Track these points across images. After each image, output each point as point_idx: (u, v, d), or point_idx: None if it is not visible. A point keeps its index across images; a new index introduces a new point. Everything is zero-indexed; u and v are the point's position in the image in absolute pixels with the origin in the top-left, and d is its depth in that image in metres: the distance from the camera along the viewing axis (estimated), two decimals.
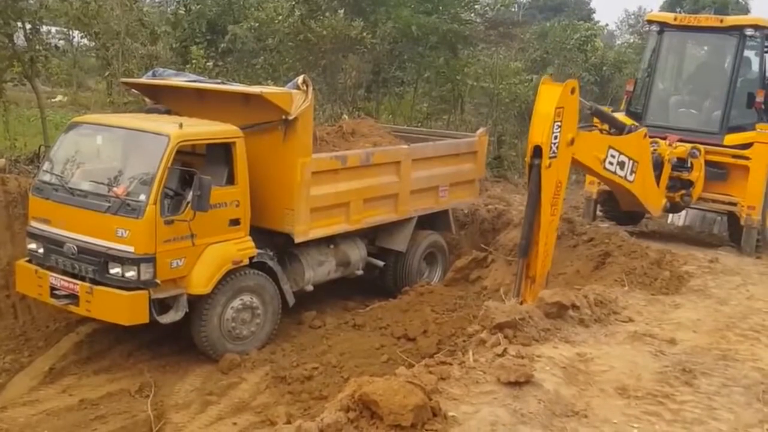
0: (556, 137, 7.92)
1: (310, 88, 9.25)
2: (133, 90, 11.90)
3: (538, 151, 7.92)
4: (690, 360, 6.45)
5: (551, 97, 8.02)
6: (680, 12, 25.01)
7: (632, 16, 41.90)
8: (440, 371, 5.03)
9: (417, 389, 4.40)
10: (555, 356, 5.86)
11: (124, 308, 8.07)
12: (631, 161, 9.91)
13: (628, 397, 5.53)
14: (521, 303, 7.37)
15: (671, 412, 5.38)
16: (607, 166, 9.55)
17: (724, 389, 5.91)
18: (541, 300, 6.83)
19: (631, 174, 10.00)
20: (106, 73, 14.73)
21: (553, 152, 7.92)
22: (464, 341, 6.37)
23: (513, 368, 5.12)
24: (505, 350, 5.50)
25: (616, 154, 9.62)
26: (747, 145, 11.59)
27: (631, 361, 6.22)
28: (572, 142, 8.17)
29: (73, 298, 8.28)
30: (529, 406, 4.92)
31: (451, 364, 5.24)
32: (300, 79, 9.28)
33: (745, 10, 36.82)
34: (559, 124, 7.97)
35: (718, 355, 6.66)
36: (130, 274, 8.00)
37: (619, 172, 9.77)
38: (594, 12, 47.51)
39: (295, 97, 9.10)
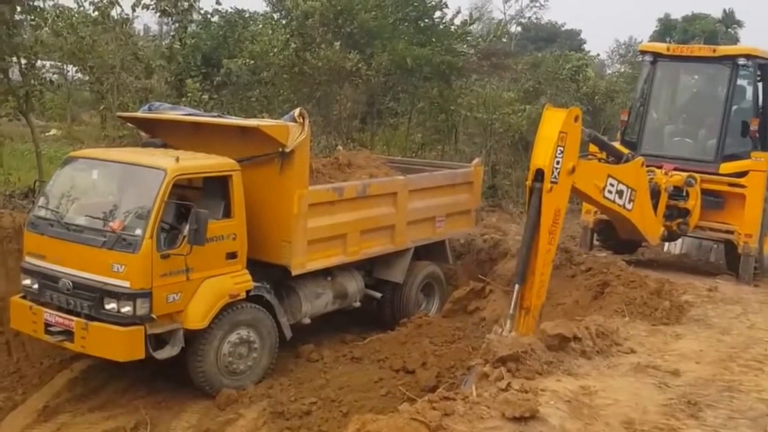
0: (558, 162, 7.92)
1: (307, 121, 9.27)
2: (129, 124, 11.89)
3: (539, 175, 7.90)
4: (695, 392, 6.38)
5: (555, 122, 8.03)
6: (670, 42, 25.31)
7: (623, 46, 42.37)
8: (444, 407, 4.95)
9: (422, 427, 4.33)
10: (559, 390, 5.79)
11: (120, 344, 8.00)
12: (629, 190, 9.92)
13: (634, 431, 5.45)
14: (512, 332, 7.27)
15: None
16: (606, 194, 9.55)
17: (730, 422, 5.83)
18: (543, 332, 6.77)
19: (629, 202, 10.00)
20: (101, 107, 14.71)
21: (555, 177, 7.91)
22: (464, 374, 6.28)
23: (518, 403, 5.05)
24: (509, 384, 5.42)
25: (614, 182, 9.62)
26: (743, 174, 11.62)
27: (635, 394, 6.15)
28: (573, 170, 8.17)
29: (68, 334, 8.20)
30: None
31: (454, 399, 5.15)
32: (296, 111, 9.31)
33: (734, 40, 37.36)
34: (561, 149, 7.96)
35: (723, 387, 6.60)
36: (126, 309, 7.94)
37: (617, 200, 9.77)
38: (585, 42, 48.13)
39: (292, 129, 9.12)
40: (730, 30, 41.51)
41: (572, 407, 5.54)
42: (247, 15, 19.94)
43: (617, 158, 10.23)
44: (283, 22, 18.90)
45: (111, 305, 7.96)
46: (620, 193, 9.77)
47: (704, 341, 7.94)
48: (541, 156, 7.93)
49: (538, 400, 5.29)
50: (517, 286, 7.59)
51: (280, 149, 9.04)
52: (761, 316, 9.24)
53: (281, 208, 9.24)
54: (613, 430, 5.42)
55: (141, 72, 15.58)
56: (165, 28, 25.47)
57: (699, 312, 9.14)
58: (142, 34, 26.38)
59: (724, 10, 43.86)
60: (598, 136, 10.17)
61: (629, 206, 10.01)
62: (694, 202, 11.75)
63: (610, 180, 9.55)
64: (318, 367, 9.65)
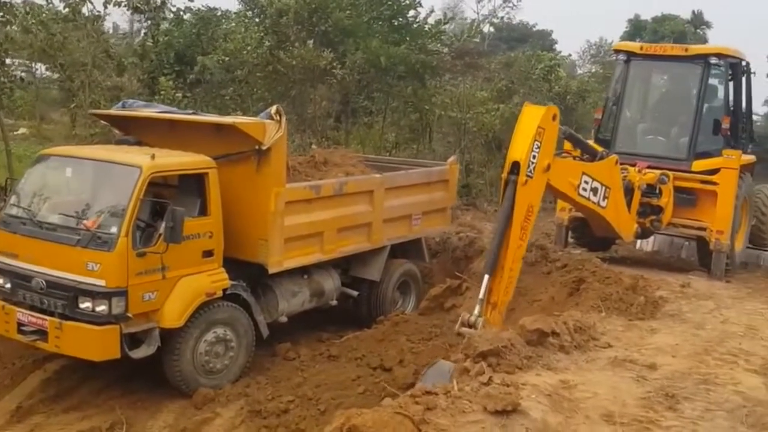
0: (534, 157, 7.96)
1: (283, 118, 9.22)
2: (102, 121, 11.76)
3: (515, 168, 7.94)
4: (672, 385, 6.46)
5: (534, 117, 8.10)
6: (640, 42, 25.53)
7: (593, 47, 42.73)
8: (426, 401, 4.96)
9: (406, 420, 4.33)
10: (539, 384, 5.83)
11: (95, 344, 7.89)
12: (603, 187, 10.02)
13: (614, 424, 5.50)
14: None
15: None
16: (581, 192, 9.64)
17: (707, 414, 5.91)
18: (522, 327, 6.81)
19: (603, 200, 10.11)
20: (72, 105, 14.53)
21: (530, 171, 7.94)
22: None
23: (500, 397, 5.07)
24: (490, 379, 5.45)
25: (589, 180, 9.72)
26: (714, 171, 11.79)
27: (614, 387, 6.21)
28: (548, 168, 8.22)
29: (42, 333, 8.07)
30: None
31: (437, 394, 5.16)
32: (273, 108, 9.25)
33: (703, 41, 37.83)
34: (538, 144, 8.02)
35: (699, 380, 6.68)
36: (101, 308, 7.82)
37: (592, 198, 9.87)
38: (556, 42, 48.45)
39: (269, 127, 9.06)
40: (698, 31, 42.06)
41: (553, 401, 5.58)
42: (219, 13, 19.84)
43: (592, 156, 10.32)
44: (257, 19, 18.81)
45: (86, 304, 7.83)
46: (594, 190, 9.87)
47: (679, 335, 8.04)
48: (518, 149, 7.99)
49: (519, 394, 5.32)
50: (486, 276, 7.58)
51: (257, 147, 8.97)
52: (734, 311, 9.39)
53: (258, 206, 9.17)
54: (593, 423, 5.47)
55: (113, 70, 15.41)
56: (136, 25, 25.34)
57: (673, 307, 9.25)
58: (111, 32, 26.10)
59: (693, 12, 44.53)
60: (573, 134, 10.26)
61: (603, 203, 10.11)
62: (667, 200, 11.89)
63: (585, 177, 9.64)
64: (295, 366, 9.59)
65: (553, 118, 8.29)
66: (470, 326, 7.03)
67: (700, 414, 5.90)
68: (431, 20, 19.49)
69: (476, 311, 7.18)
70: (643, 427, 5.51)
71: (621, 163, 11.05)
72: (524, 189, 7.89)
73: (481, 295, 7.39)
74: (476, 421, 4.94)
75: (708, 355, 7.45)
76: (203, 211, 8.69)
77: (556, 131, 8.40)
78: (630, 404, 5.91)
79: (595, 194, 9.90)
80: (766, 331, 8.52)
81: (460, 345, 7.05)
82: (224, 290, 8.83)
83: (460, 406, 5.03)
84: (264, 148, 8.99)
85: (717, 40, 42.58)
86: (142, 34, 16.79)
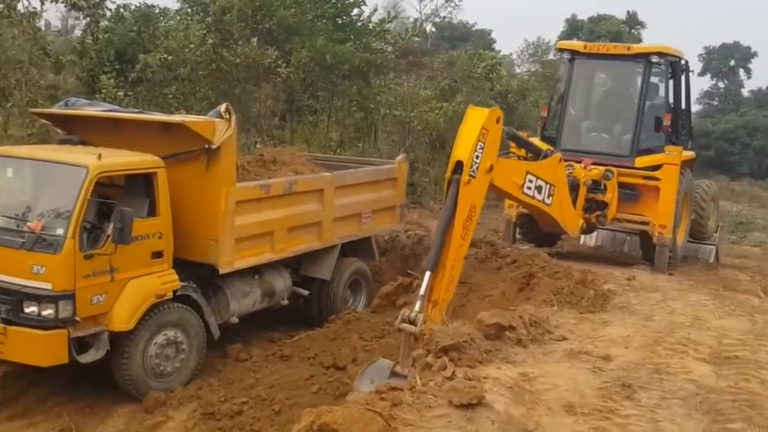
0: (477, 157, 8.02)
1: (233, 117, 9.10)
2: (43, 121, 11.42)
3: (459, 167, 7.99)
4: (627, 375, 6.60)
5: (478, 119, 8.16)
6: (577, 41, 26.04)
7: (531, 46, 43.37)
8: (392, 397, 4.95)
9: (377, 416, 4.31)
10: (500, 377, 5.88)
11: (42, 349, 7.68)
12: (548, 185, 10.17)
13: (575, 414, 5.59)
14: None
15: (619, 426, 5.48)
16: (525, 190, 9.77)
17: (663, 402, 6.06)
18: (481, 322, 6.85)
19: (548, 197, 10.26)
20: (9, 105, 14.06)
21: (473, 171, 8.00)
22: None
23: (464, 390, 5.10)
24: (453, 373, 5.47)
25: (533, 178, 9.85)
26: (657, 167, 12.08)
27: (572, 379, 6.31)
28: (491, 169, 8.29)
29: None
30: (484, 428, 4.91)
31: (402, 390, 5.16)
32: (223, 107, 9.11)
33: (638, 40, 38.78)
34: (482, 145, 8.08)
35: (652, 369, 6.84)
36: (48, 312, 7.61)
37: (537, 196, 10.01)
38: (495, 42, 49.06)
39: (218, 125, 8.92)
40: (633, 31, 43.09)
41: (515, 393, 5.64)
42: (157, 10, 19.50)
43: (536, 155, 10.46)
44: (197, 17, 18.51)
45: (31, 308, 7.62)
46: (539, 188, 10.01)
47: (630, 327, 8.22)
48: (462, 149, 8.03)
49: (483, 388, 5.35)
50: (428, 273, 7.59)
51: (207, 146, 8.83)
52: (680, 302, 9.64)
53: (208, 206, 9.03)
54: (555, 414, 5.54)
55: (50, 68, 14.99)
56: (71, 22, 24.68)
57: (622, 300, 9.46)
58: (43, 29, 25.37)
59: (628, 12, 45.62)
60: (516, 134, 10.39)
61: (548, 201, 10.27)
62: (611, 195, 12.14)
63: (529, 176, 9.77)
64: (247, 367, 9.48)
65: (497, 120, 8.38)
66: (410, 322, 7.03)
67: (657, 402, 6.04)
68: (375, 19, 19.51)
69: (417, 307, 7.18)
70: (603, 417, 5.62)
71: (567, 160, 11.23)
72: (467, 188, 7.92)
73: (422, 292, 7.38)
74: (442, 415, 4.96)
75: (659, 346, 7.63)
76: (152, 212, 8.53)
77: (499, 133, 8.48)
78: (589, 395, 6.02)
79: (539, 192, 10.04)
80: (712, 321, 8.78)
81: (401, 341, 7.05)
82: (174, 292, 8.69)
83: (425, 400, 5.04)
84: (213, 147, 8.85)
85: (651, 40, 43.74)
86: (76, 32, 16.36)
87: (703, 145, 37.19)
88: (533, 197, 9.95)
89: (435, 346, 6.04)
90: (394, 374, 6.81)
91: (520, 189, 9.65)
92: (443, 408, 5.04)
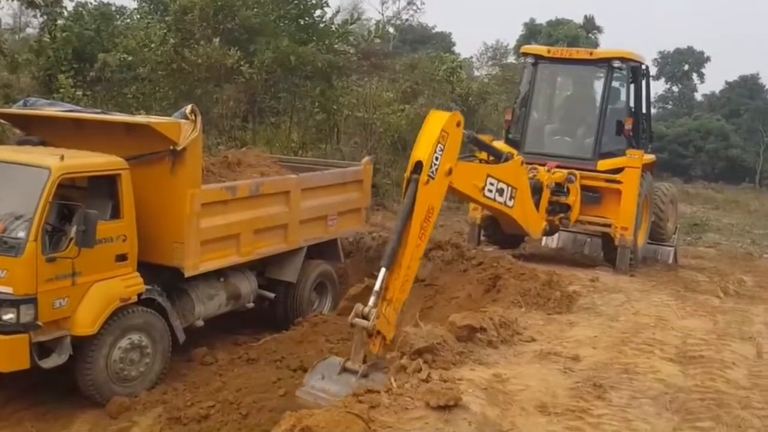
0: (437, 158, 8.03)
1: (199, 118, 8.98)
2: (2, 121, 11.15)
3: (418, 168, 7.98)
4: (597, 375, 6.68)
5: (438, 122, 8.17)
6: (535, 44, 26.41)
7: (490, 49, 43.73)
8: (370, 399, 4.94)
9: (357, 419, 4.29)
10: (474, 378, 5.91)
11: (2, 354, 7.49)
12: (509, 188, 10.24)
13: (548, 414, 5.63)
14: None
15: (591, 426, 5.54)
16: (486, 193, 9.81)
17: (634, 401, 6.14)
18: (453, 324, 6.86)
19: (510, 200, 10.33)
20: None
21: (432, 172, 8.00)
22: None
23: (441, 392, 5.10)
24: (429, 375, 5.47)
25: (494, 181, 9.89)
26: (618, 170, 12.27)
27: (543, 379, 6.36)
28: (450, 172, 8.30)
29: None
30: (461, 429, 4.92)
31: (379, 392, 5.14)
32: (188, 108, 8.99)
33: (595, 45, 39.35)
34: (441, 147, 8.08)
35: (621, 369, 6.93)
36: (9, 316, 7.44)
37: (498, 198, 10.06)
38: (455, 45, 49.35)
39: (184, 126, 8.80)
40: (590, 35, 43.68)
41: (489, 394, 5.67)
42: (113, 9, 19.22)
43: (497, 158, 10.52)
44: (156, 16, 18.26)
45: None
46: (501, 191, 10.07)
47: (597, 328, 8.33)
48: (422, 150, 8.02)
49: (459, 389, 5.36)
50: (383, 270, 7.55)
51: (172, 147, 8.71)
52: (643, 303, 9.79)
53: (173, 208, 8.90)
54: (529, 414, 5.58)
55: (5, 67, 14.64)
56: (23, 20, 24.16)
57: (587, 301, 9.57)
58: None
59: (585, 16, 46.24)
60: (477, 138, 10.43)
61: (510, 203, 10.34)
62: (574, 198, 12.28)
63: (490, 179, 9.81)
64: (213, 370, 9.37)
65: (458, 124, 8.38)
66: (363, 317, 7.00)
67: (627, 402, 6.12)
68: (338, 20, 19.45)
69: (371, 302, 7.15)
70: (576, 416, 5.67)
71: (530, 163, 11.31)
72: (425, 189, 7.90)
73: (377, 287, 7.35)
74: (420, 417, 4.96)
75: (625, 346, 7.73)
76: (116, 214, 8.38)
77: (459, 137, 8.48)
78: (561, 395, 6.07)
79: (501, 195, 10.09)
80: (676, 321, 8.93)
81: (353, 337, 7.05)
82: (139, 295, 8.55)
83: (402, 403, 5.03)
84: (179, 148, 8.73)
85: (608, 44, 44.43)
86: (29, 30, 15.98)
87: (657, 148, 37.68)
88: (494, 200, 10.00)
89: (409, 349, 6.04)
90: (345, 370, 6.83)
91: (480, 192, 9.69)
92: (420, 410, 5.04)
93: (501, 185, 9.99)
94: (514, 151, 11.42)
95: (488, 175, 9.78)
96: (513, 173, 10.37)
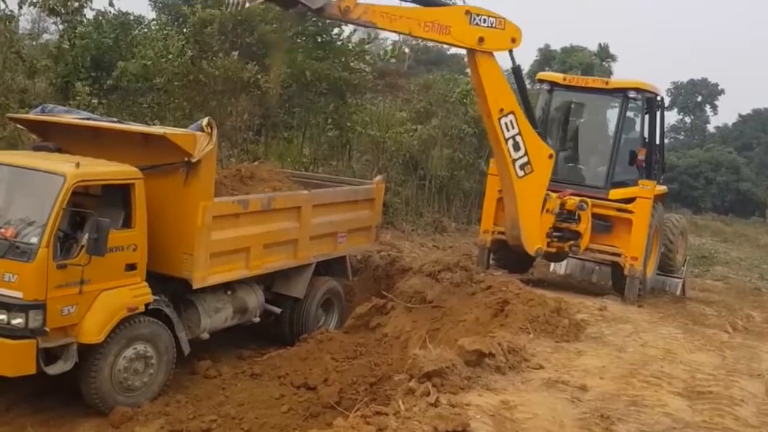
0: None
1: (215, 131, 9.05)
2: (19, 126, 11.21)
3: None
4: (604, 406, 6.61)
5: None
6: (548, 71, 26.46)
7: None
8: (377, 422, 4.91)
9: None
10: (482, 404, 5.86)
11: (9, 358, 7.52)
12: (527, 156, 10.43)
13: None
14: None
15: None
16: (502, 122, 10.33)
17: None
18: (462, 348, 6.84)
19: (521, 168, 10.68)
20: None
21: None
22: (389, 390, 6.25)
23: (450, 417, 5.07)
24: (437, 399, 5.44)
25: (515, 124, 10.41)
26: (630, 200, 12.24)
27: (551, 408, 6.31)
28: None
29: None
30: None
31: (387, 414, 5.11)
32: (204, 121, 9.05)
33: (608, 73, 39.29)
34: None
35: (629, 401, 6.87)
36: (17, 321, 7.47)
37: (506, 133, 10.24)
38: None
39: (199, 139, 8.86)
40: (604, 63, 43.64)
41: (497, 421, 5.62)
42: (131, 18, 19.33)
43: (533, 125, 11.01)
44: (170, 28, 18.35)
45: (1, 317, 7.45)
46: (516, 145, 10.29)
47: (605, 358, 8.26)
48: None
49: (468, 415, 5.32)
50: None
51: (186, 159, 8.74)
52: (651, 334, 9.71)
53: (184, 220, 8.93)
54: None
55: (23, 72, 14.73)
56: (42, 25, 24.32)
57: (595, 330, 9.50)
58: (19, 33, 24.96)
59: (599, 44, 46.21)
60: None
61: (520, 173, 10.69)
62: (585, 226, 12.24)
63: (512, 117, 10.46)
64: (216, 384, 9.36)
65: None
66: None
67: None
68: (355, 39, 19.54)
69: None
70: None
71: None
72: None
73: None
74: None
75: (633, 378, 7.67)
76: (127, 223, 8.42)
77: None
78: (568, 425, 6.02)
79: (516, 150, 10.28)
80: (684, 355, 8.86)
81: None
82: (146, 305, 8.55)
83: (410, 426, 5.00)
84: (194, 160, 8.77)
85: (621, 73, 44.35)
86: (46, 36, 16.09)
87: (667, 178, 37.59)
88: (507, 143, 10.24)
89: (418, 372, 6.01)
90: None
91: (499, 114, 9.96)
92: None
93: (518, 138, 10.10)
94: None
95: (513, 112, 10.11)
96: (536, 149, 10.45)
